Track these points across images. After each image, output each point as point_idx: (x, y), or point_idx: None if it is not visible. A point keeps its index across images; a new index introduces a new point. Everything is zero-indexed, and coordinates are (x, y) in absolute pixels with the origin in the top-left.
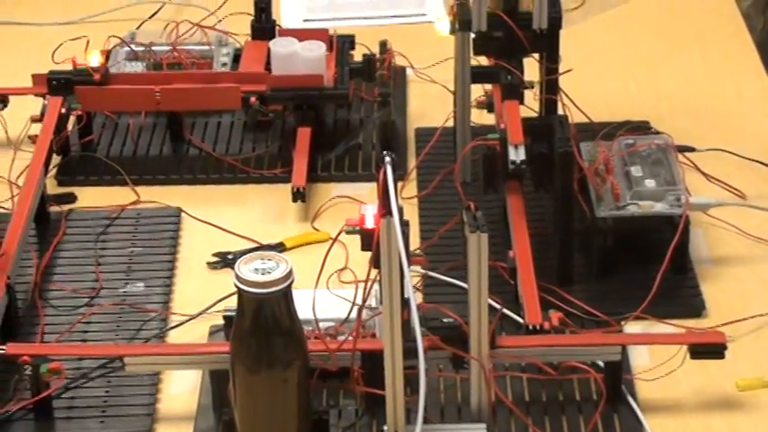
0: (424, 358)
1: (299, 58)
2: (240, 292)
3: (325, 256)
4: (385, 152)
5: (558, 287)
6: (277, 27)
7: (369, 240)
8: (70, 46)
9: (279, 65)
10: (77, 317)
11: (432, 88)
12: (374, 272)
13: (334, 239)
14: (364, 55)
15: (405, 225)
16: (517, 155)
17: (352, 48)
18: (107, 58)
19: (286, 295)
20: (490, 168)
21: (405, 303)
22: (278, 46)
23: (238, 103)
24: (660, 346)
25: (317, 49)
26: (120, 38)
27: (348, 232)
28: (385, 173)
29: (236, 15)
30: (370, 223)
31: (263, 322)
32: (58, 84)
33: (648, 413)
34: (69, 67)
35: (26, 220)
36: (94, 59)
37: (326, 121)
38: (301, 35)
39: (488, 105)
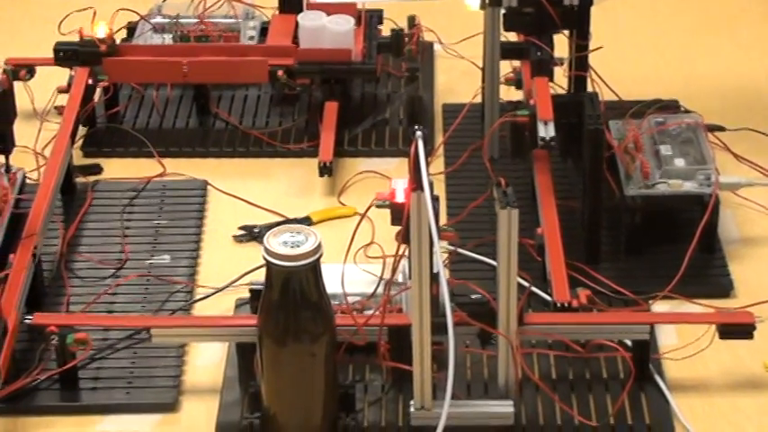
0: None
1: (327, 31)
2: (269, 265)
3: (355, 230)
4: (416, 126)
5: (586, 265)
6: (305, 0)
7: (399, 215)
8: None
9: (307, 38)
10: (103, 288)
11: (460, 64)
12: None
13: (364, 214)
14: (392, 30)
15: (435, 200)
16: (546, 131)
17: (381, 22)
18: (132, 31)
19: (314, 268)
20: (518, 136)
21: (433, 278)
22: (306, 19)
23: (266, 76)
24: (688, 325)
25: (346, 23)
26: (133, 11)
27: (378, 206)
28: (416, 147)
29: None
30: (400, 197)
31: (291, 295)
32: (64, 54)
33: (676, 393)
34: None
35: (52, 191)
36: (101, 31)
37: (353, 96)
38: (329, 9)
39: (517, 82)
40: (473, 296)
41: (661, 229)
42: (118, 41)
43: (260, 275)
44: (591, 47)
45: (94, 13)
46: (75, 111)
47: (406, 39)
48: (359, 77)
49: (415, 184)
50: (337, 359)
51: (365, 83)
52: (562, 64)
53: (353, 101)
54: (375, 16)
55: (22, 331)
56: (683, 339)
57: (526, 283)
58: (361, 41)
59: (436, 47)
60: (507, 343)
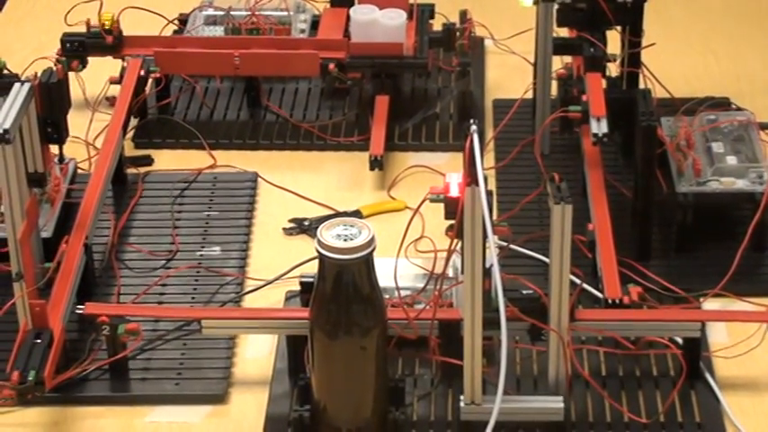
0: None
1: (378, 25)
2: (322, 258)
3: (408, 224)
4: (471, 120)
5: (636, 262)
6: None
7: (452, 209)
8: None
9: (358, 32)
10: (153, 279)
11: (510, 59)
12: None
13: (417, 208)
14: (444, 24)
15: (489, 195)
16: (599, 127)
17: (432, 17)
18: (184, 22)
19: (367, 262)
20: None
21: (485, 273)
22: (358, 13)
23: (317, 69)
24: (739, 323)
25: (398, 17)
26: (139, 7)
27: (432, 201)
28: (471, 141)
29: None
30: (454, 192)
31: (343, 288)
32: (71, 45)
33: (726, 391)
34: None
35: (104, 182)
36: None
37: (404, 90)
38: (381, 3)
39: (568, 78)
40: (524, 291)
41: (712, 227)
42: (170, 33)
43: (310, 268)
44: (643, 43)
45: (101, 5)
46: (127, 102)
47: (458, 33)
48: (410, 72)
49: (470, 178)
50: (388, 353)
51: (416, 77)
52: (615, 60)
53: (404, 95)
54: (427, 11)
55: (72, 321)
56: (733, 337)
57: (578, 280)
58: (413, 36)
59: (487, 42)
60: (558, 339)
